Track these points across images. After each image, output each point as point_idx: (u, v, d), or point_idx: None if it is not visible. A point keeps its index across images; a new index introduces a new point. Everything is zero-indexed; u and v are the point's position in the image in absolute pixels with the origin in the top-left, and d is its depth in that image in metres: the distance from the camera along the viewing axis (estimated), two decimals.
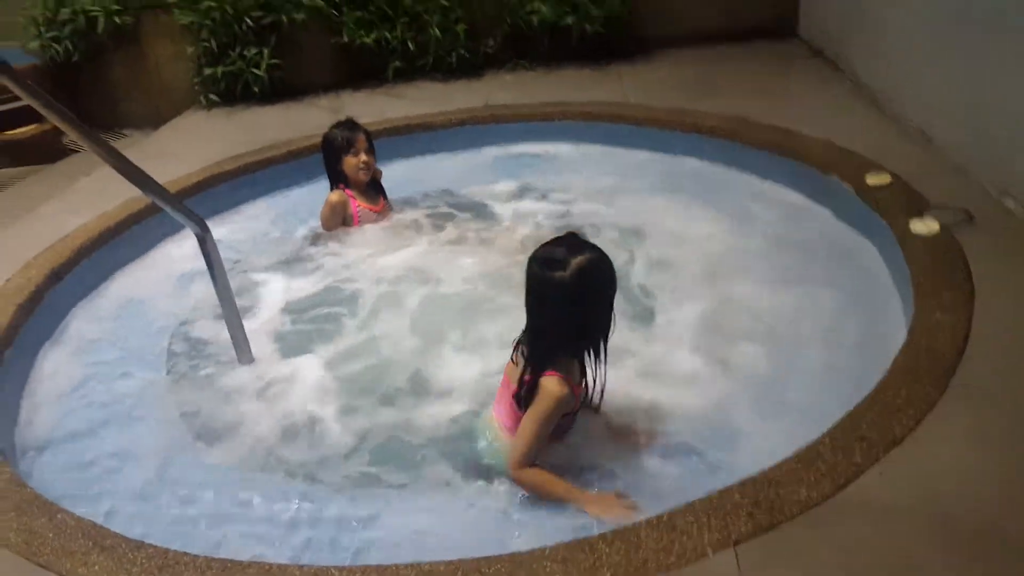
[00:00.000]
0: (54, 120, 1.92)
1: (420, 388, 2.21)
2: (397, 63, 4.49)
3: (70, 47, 4.42)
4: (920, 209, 2.47)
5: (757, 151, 3.28)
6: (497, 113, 3.96)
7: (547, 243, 1.77)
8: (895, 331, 2.02)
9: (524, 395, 1.75)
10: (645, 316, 2.44)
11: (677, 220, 3.00)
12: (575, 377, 1.78)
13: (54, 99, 1.89)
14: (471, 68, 4.54)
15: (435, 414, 2.09)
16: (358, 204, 3.02)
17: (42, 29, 4.45)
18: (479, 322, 2.45)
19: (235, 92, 4.38)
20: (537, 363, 1.74)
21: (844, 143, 3.05)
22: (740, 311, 2.41)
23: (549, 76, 4.48)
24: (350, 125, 3.00)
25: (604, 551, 1.41)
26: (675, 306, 2.47)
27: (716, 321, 2.36)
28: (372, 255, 2.91)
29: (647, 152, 3.60)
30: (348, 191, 3.02)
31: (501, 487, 1.80)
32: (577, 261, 1.67)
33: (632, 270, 2.68)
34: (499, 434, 1.87)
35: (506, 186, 3.46)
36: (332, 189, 3.05)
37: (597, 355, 1.77)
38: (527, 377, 1.74)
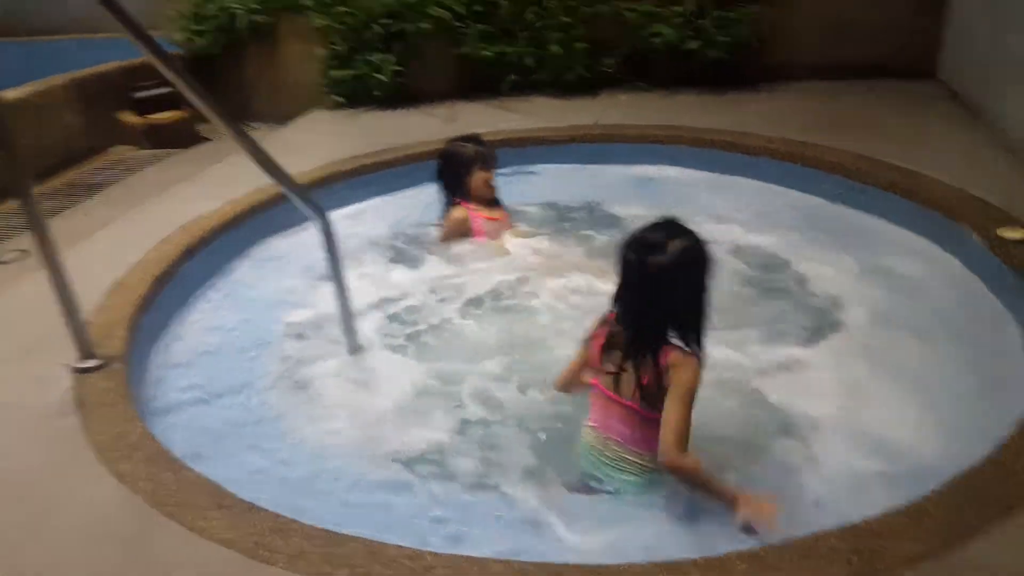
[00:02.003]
0: (201, 108, 2.03)
1: (515, 398, 2.21)
2: (513, 77, 4.56)
3: (212, 41, 4.72)
4: None
5: (880, 191, 3.15)
6: (608, 132, 3.96)
7: (643, 227, 1.75)
8: (1019, 392, 1.93)
9: (655, 384, 1.70)
10: (760, 346, 2.39)
11: (793, 255, 2.92)
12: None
13: None
14: (587, 86, 4.56)
15: (530, 424, 2.09)
16: (480, 215, 3.03)
17: (189, 23, 4.78)
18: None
19: (358, 95, 4.56)
20: (649, 349, 1.70)
21: (977, 192, 2.90)
22: (859, 354, 2.32)
23: (667, 99, 4.43)
24: (480, 141, 3.05)
25: (694, 574, 1.40)
26: (789, 342, 2.41)
27: (835, 362, 2.29)
28: (479, 265, 2.93)
29: (761, 183, 3.51)
30: (467, 204, 3.03)
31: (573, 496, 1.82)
32: (675, 245, 1.66)
33: (748, 297, 2.65)
34: (620, 452, 1.80)
35: (614, 206, 3.44)
36: (449, 201, 3.06)
37: (697, 343, 1.73)
38: (648, 368, 1.70)
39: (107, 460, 1.83)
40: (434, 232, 3.16)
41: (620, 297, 1.77)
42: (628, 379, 1.75)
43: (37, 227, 2.08)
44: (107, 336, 2.32)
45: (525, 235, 3.11)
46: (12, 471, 1.84)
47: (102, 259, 2.80)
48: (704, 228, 3.02)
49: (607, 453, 1.82)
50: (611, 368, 1.79)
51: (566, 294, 2.72)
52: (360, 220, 3.47)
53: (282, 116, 4.68)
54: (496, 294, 2.76)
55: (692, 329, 1.73)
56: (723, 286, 2.69)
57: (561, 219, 3.36)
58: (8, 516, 1.70)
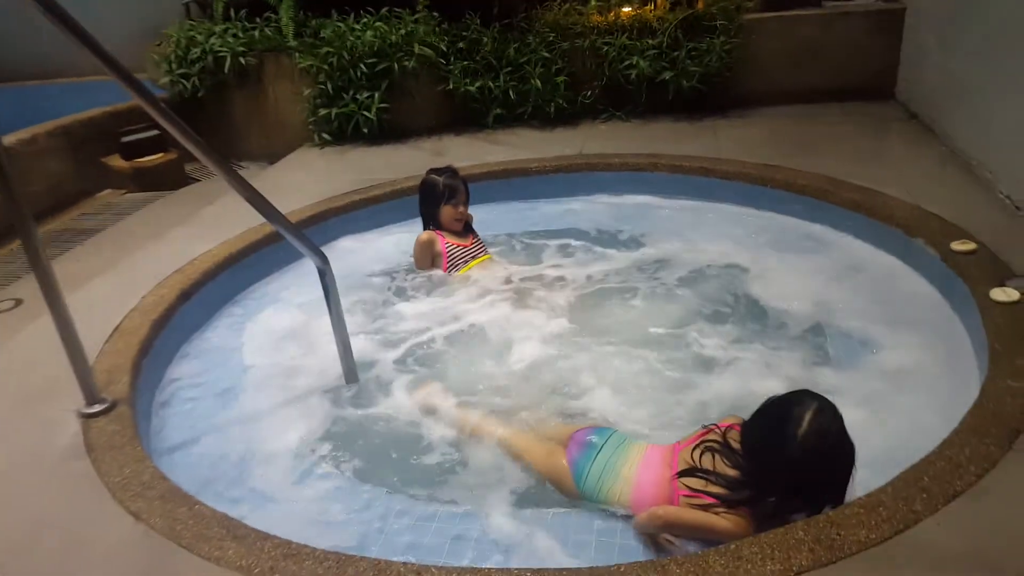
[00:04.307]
0: (195, 151, 2.09)
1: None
2: (498, 110, 4.70)
3: (197, 83, 4.80)
4: (1003, 278, 2.52)
5: (845, 211, 3.32)
6: (591, 162, 4.08)
7: (787, 396, 1.72)
8: (968, 393, 2.07)
9: (707, 489, 1.74)
10: (729, 360, 2.53)
11: (765, 274, 3.07)
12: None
13: None
14: (568, 117, 4.71)
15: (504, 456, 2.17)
16: (446, 240, 3.19)
17: (173, 66, 4.86)
18: (562, 374, 2.54)
19: (346, 132, 4.67)
20: (729, 502, 1.71)
21: (933, 208, 3.08)
22: (824, 361, 2.51)
23: (644, 128, 4.60)
24: (452, 175, 3.19)
25: (675, 572, 1.52)
26: (758, 356, 2.55)
27: (802, 362, 2.47)
28: (459, 295, 3.05)
29: (737, 206, 3.67)
30: (438, 232, 3.21)
31: (582, 513, 1.93)
32: (815, 425, 1.61)
33: (723, 316, 2.81)
34: (629, 496, 1.89)
35: (597, 233, 3.57)
36: (424, 229, 3.25)
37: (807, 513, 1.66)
38: (714, 498, 1.72)
39: (121, 499, 1.88)
40: (411, 259, 3.30)
41: (744, 440, 1.76)
42: (701, 460, 1.80)
43: (42, 273, 2.10)
44: (111, 381, 2.37)
45: (489, 267, 3.21)
46: (30, 515, 1.89)
47: (100, 305, 2.85)
48: (682, 251, 3.25)
49: (615, 486, 1.92)
50: (702, 465, 1.80)
51: (533, 327, 2.81)
52: (353, 254, 3.56)
53: (270, 155, 4.77)
54: (464, 326, 2.86)
55: (808, 508, 1.68)
56: (702, 302, 2.88)
57: (539, 247, 3.49)
58: (31, 560, 1.74)
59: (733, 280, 3.05)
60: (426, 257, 3.20)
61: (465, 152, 4.40)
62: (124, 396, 2.31)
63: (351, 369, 2.59)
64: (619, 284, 3.07)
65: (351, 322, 2.87)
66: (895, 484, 1.71)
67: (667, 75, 4.52)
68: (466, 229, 3.28)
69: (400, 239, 3.64)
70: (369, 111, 4.59)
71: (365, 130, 4.64)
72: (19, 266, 3.72)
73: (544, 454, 2.07)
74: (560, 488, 2.01)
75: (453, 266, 3.16)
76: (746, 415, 1.85)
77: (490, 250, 3.32)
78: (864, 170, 3.54)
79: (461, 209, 3.19)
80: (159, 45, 4.99)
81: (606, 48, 4.62)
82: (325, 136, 4.71)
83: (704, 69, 4.50)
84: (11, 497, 1.96)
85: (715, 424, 1.90)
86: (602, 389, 2.42)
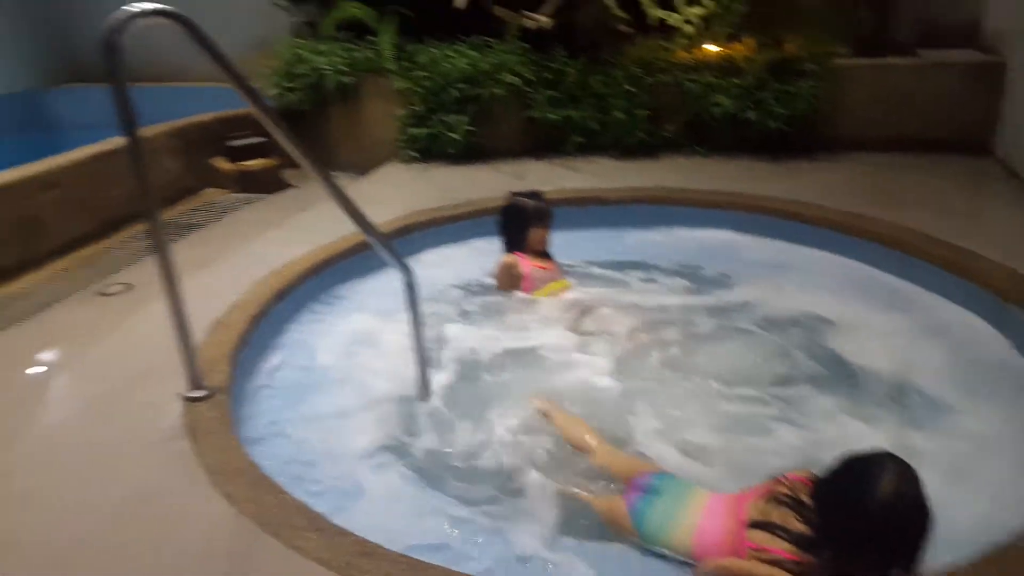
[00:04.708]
0: (299, 159, 2.32)
1: (558, 455, 2.37)
2: (578, 138, 4.83)
3: (301, 97, 5.11)
4: None
5: (935, 268, 3.24)
6: (670, 195, 4.16)
7: (865, 455, 1.66)
8: None
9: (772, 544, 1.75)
10: (802, 412, 2.51)
11: (846, 326, 3.02)
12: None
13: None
14: (648, 150, 4.80)
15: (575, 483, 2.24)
16: (529, 263, 3.29)
17: (280, 79, 5.19)
18: (627, 409, 2.56)
19: (432, 151, 4.89)
20: (798, 559, 1.70)
21: None
22: (905, 423, 2.42)
23: (725, 165, 4.63)
24: (539, 198, 3.30)
25: None
26: (834, 411, 2.51)
27: (883, 433, 2.37)
28: (536, 318, 3.14)
29: (819, 252, 3.65)
30: (519, 254, 3.31)
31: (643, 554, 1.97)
32: (893, 487, 1.56)
33: (800, 366, 2.77)
34: (691, 542, 1.91)
35: (673, 267, 3.62)
36: (506, 251, 3.35)
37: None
38: (784, 553, 1.71)
39: (216, 482, 2.06)
40: (491, 280, 3.41)
41: (824, 507, 1.72)
42: (771, 514, 1.79)
43: (163, 258, 2.31)
44: (211, 369, 2.58)
45: (569, 292, 3.29)
46: (134, 487, 2.09)
47: (204, 296, 3.07)
48: (760, 293, 3.27)
49: (676, 534, 1.94)
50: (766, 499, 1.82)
51: (603, 355, 2.86)
52: (433, 268, 3.71)
53: (361, 168, 5.03)
54: (541, 348, 2.93)
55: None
56: (778, 349, 2.88)
57: (615, 277, 3.55)
58: (132, 531, 1.93)
59: (812, 329, 3.02)
60: (508, 279, 3.30)
61: (544, 177, 4.54)
62: (222, 385, 2.52)
63: (426, 380, 2.72)
64: (693, 322, 3.09)
65: (428, 333, 3.04)
66: (977, 565, 1.66)
67: (751, 114, 4.56)
68: (546, 253, 3.39)
69: (478, 257, 3.78)
70: (455, 132, 4.79)
71: (450, 150, 4.85)
72: (128, 253, 4.04)
73: (603, 498, 2.13)
74: (619, 531, 2.05)
75: (533, 288, 3.26)
76: (817, 471, 1.83)
77: (567, 277, 3.41)
78: (956, 227, 3.46)
79: (547, 232, 3.29)
80: (268, 59, 5.35)
81: (690, 85, 4.69)
82: (413, 153, 4.94)
83: (790, 111, 4.51)
84: (118, 469, 2.17)
85: (785, 476, 1.88)
86: (666, 430, 2.44)
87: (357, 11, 5.08)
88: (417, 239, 3.88)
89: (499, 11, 4.80)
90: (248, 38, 5.69)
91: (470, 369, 2.88)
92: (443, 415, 2.62)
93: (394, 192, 4.45)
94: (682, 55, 4.74)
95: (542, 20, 4.75)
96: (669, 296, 3.34)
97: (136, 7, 1.97)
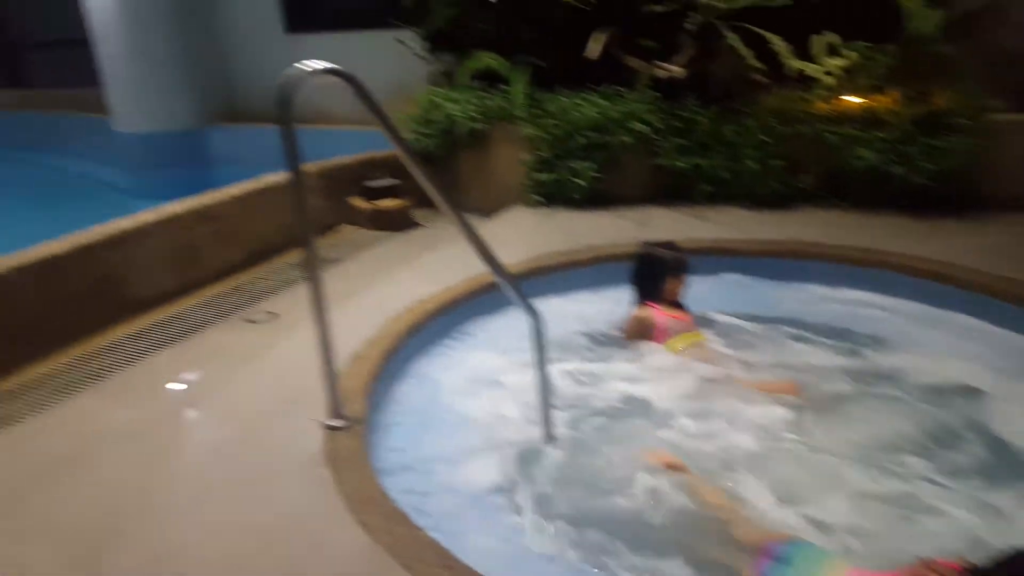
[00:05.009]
0: (437, 200, 2.45)
1: (682, 513, 2.30)
2: (707, 187, 4.77)
3: (435, 142, 5.35)
4: None
5: None
6: (804, 249, 4.00)
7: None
8: None
9: None
10: (955, 494, 2.33)
11: (1005, 403, 2.78)
12: None
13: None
14: (782, 201, 4.66)
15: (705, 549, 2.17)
16: (663, 314, 3.24)
17: (417, 125, 5.46)
18: (759, 472, 2.47)
19: (557, 196, 4.97)
20: None
21: None
22: None
23: (865, 220, 4.41)
24: (676, 248, 3.27)
25: None
26: (991, 496, 2.32)
27: None
28: (666, 370, 3.07)
29: (974, 320, 3.39)
30: (653, 304, 3.26)
31: None
32: None
33: (952, 443, 2.58)
34: None
35: (808, 326, 3.45)
36: (639, 301, 3.32)
37: None
38: None
39: (354, 511, 2.14)
40: (620, 329, 3.38)
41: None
42: None
43: (317, 290, 2.45)
44: (349, 400, 2.70)
45: (703, 345, 3.21)
46: (279, 513, 2.20)
47: (342, 329, 3.21)
48: (905, 359, 3.07)
49: None
50: None
51: (740, 414, 2.77)
52: (557, 311, 3.70)
53: (487, 210, 5.17)
54: (672, 402, 2.86)
55: None
56: (928, 423, 2.69)
57: (748, 332, 3.44)
58: (278, 553, 2.03)
59: (967, 404, 2.80)
60: (640, 330, 3.26)
61: (671, 225, 4.50)
62: (359, 415, 2.63)
63: (549, 423, 2.73)
64: (831, 384, 2.95)
65: (553, 377, 3.04)
66: None
67: (896, 169, 4.34)
68: (679, 303, 3.34)
69: (603, 303, 3.78)
70: (581, 178, 4.85)
71: (575, 196, 4.90)
72: (273, 283, 4.32)
73: (730, 563, 2.05)
74: None
75: (666, 339, 3.21)
76: (972, 559, 1.68)
77: (700, 328, 3.34)
78: None
79: (682, 283, 3.25)
80: (406, 105, 5.65)
81: (830, 136, 4.54)
82: (538, 198, 5.04)
83: (939, 167, 4.26)
84: (265, 491, 2.30)
85: (935, 561, 1.74)
86: (800, 497, 2.33)
87: (492, 62, 5.29)
88: (541, 282, 3.91)
89: (631, 61, 4.86)
90: (387, 84, 6.02)
91: (594, 416, 2.86)
92: (564, 460, 2.63)
93: (519, 235, 4.54)
94: (821, 106, 4.60)
95: (674, 70, 4.76)
96: (806, 355, 3.20)
97: (309, 66, 2.17)
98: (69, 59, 8.90)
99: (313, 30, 7.43)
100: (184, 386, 3.06)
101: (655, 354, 3.16)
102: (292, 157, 2.31)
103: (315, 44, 7.41)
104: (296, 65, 2.16)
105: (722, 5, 4.78)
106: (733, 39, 4.65)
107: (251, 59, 7.73)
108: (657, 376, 3.03)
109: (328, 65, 2.19)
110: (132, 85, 7.22)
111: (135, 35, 7.03)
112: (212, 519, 2.19)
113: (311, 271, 2.46)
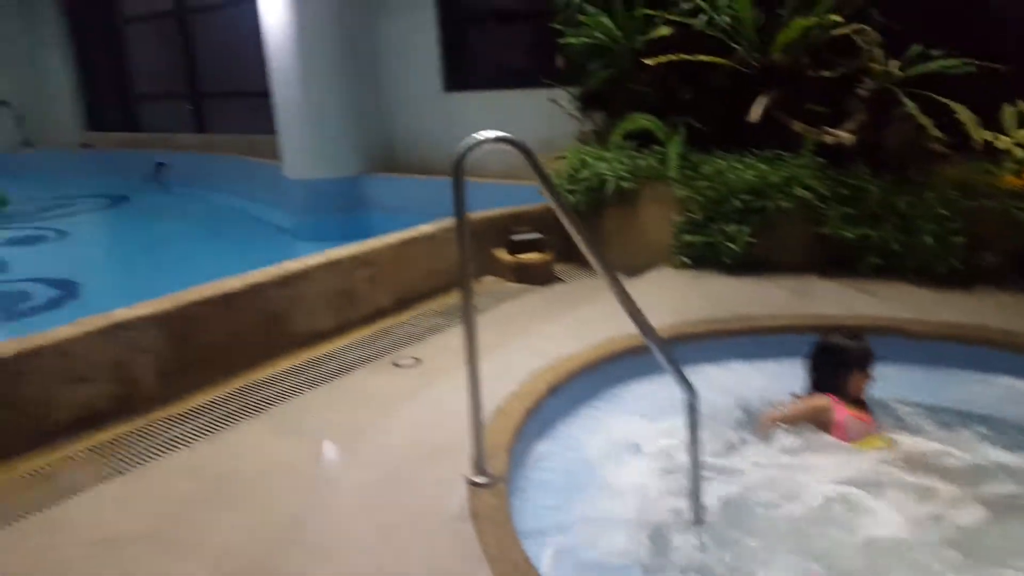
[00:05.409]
0: (591, 259, 2.42)
1: None
2: (876, 260, 4.43)
3: (582, 199, 5.36)
4: None
5: None
6: (991, 336, 3.58)
7: None
8: None
9: None
10: None
11: None
12: None
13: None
14: (961, 280, 4.24)
15: None
16: (845, 412, 2.94)
17: (565, 182, 5.51)
18: None
19: (706, 259, 4.80)
20: None
21: None
22: None
23: None
24: (863, 340, 3.00)
25: None
26: None
27: None
28: (839, 470, 2.76)
29: None
30: (835, 398, 2.99)
31: None
32: None
33: None
34: None
35: (1002, 422, 3.08)
36: (814, 390, 3.06)
37: None
38: None
39: (496, 572, 2.08)
40: (785, 411, 3.11)
41: None
42: None
43: (471, 345, 2.49)
44: (491, 456, 2.67)
45: (891, 444, 2.90)
46: (422, 568, 2.18)
47: (483, 382, 3.23)
48: None
49: None
50: None
51: (932, 527, 2.47)
52: (708, 383, 3.51)
53: (630, 268, 5.08)
54: (847, 501, 2.59)
55: None
56: None
57: (933, 430, 3.08)
58: None
59: None
60: (814, 420, 2.95)
61: (832, 298, 4.21)
62: (502, 473, 2.59)
63: (700, 507, 2.56)
64: None
65: (705, 454, 2.87)
66: None
67: None
68: (861, 401, 3.03)
69: (758, 377, 3.56)
70: (734, 243, 4.66)
71: (727, 260, 4.72)
72: (419, 329, 4.43)
73: None
74: None
75: (847, 440, 2.90)
76: None
77: (884, 431, 3.01)
78: None
79: (869, 379, 2.98)
80: (552, 161, 5.73)
81: (1020, 213, 4.10)
82: (685, 259, 4.89)
83: None
84: (409, 543, 2.29)
85: None
86: None
87: (647, 123, 5.27)
88: (691, 349, 3.74)
89: (797, 126, 4.67)
90: (536, 141, 6.14)
91: (750, 505, 2.65)
92: (710, 549, 2.45)
93: (666, 297, 4.41)
94: (1011, 180, 4.18)
95: (843, 136, 4.53)
96: (1004, 458, 2.82)
97: (483, 136, 2.33)
98: (246, 109, 9.86)
99: (469, 89, 7.79)
100: (335, 425, 3.16)
101: (829, 448, 2.88)
102: (460, 213, 2.45)
103: (470, 102, 7.78)
104: (474, 136, 2.32)
105: (898, 71, 4.52)
106: (911, 107, 4.37)
107: (410, 114, 8.19)
108: (827, 469, 2.76)
109: (500, 134, 2.34)
110: (303, 135, 7.84)
111: (310, 90, 7.66)
112: (357, 565, 2.20)
113: (467, 326, 2.49)
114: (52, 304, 5.54)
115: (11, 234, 8.46)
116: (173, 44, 10.93)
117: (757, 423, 3.11)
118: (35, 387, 3.06)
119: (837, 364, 3.00)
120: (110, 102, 12.32)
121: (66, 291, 5.87)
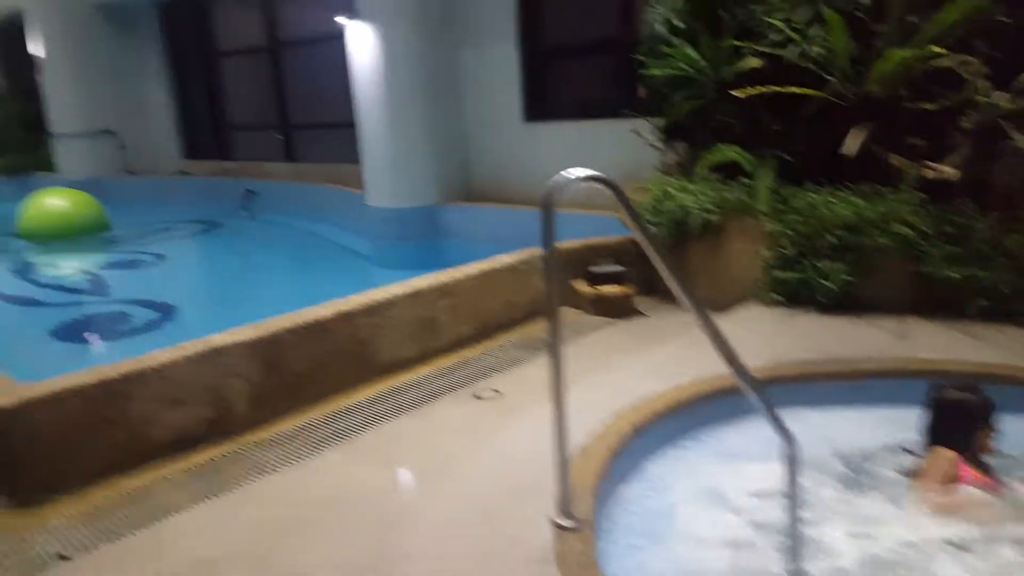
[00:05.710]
0: (677, 293, 2.35)
1: None
2: (983, 302, 4.16)
3: (665, 232, 5.27)
4: None
5: None
6: None
7: None
8: None
9: None
10: None
11: None
12: None
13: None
14: None
15: None
16: (971, 474, 2.72)
17: (647, 214, 5.43)
18: None
19: (799, 297, 4.62)
20: None
21: None
22: None
23: None
24: (979, 391, 2.80)
25: None
26: None
27: None
28: (963, 535, 2.55)
29: None
30: (960, 457, 2.76)
31: None
32: None
33: None
34: None
35: None
36: (938, 443, 2.83)
37: None
38: None
39: None
40: (903, 467, 2.90)
41: None
42: None
43: (556, 376, 2.44)
44: (576, 498, 2.60)
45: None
46: None
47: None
48: None
49: None
50: None
51: None
52: (804, 428, 3.35)
53: (716, 304, 4.94)
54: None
55: None
56: None
57: None
58: None
59: None
60: (941, 477, 2.72)
61: (936, 342, 3.96)
62: (587, 516, 2.52)
63: (799, 566, 2.42)
64: None
65: (808, 507, 2.72)
66: None
67: None
68: (985, 463, 2.78)
69: (859, 426, 3.36)
70: (830, 281, 4.46)
71: (821, 298, 4.52)
72: (498, 360, 4.41)
73: None
74: None
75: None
76: None
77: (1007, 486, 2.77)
78: None
79: (993, 436, 2.76)
80: (634, 191, 5.66)
81: None
82: (777, 297, 4.72)
83: None
84: None
85: None
86: None
87: (735, 155, 5.15)
88: (780, 394, 3.57)
89: (896, 160, 4.47)
90: (617, 172, 6.10)
91: (857, 563, 2.48)
92: None
93: (754, 336, 4.24)
94: None
95: (947, 171, 4.29)
96: None
97: (573, 174, 2.31)
98: (333, 139, 10.22)
99: (549, 119, 7.84)
100: (419, 456, 3.17)
101: (949, 508, 2.65)
102: (549, 255, 2.45)
103: (550, 132, 7.83)
104: (562, 174, 2.31)
105: (1007, 103, 4.27)
106: (1021, 141, 4.11)
107: (490, 145, 8.31)
108: (948, 536, 2.55)
109: (591, 172, 2.32)
110: (386, 165, 8.05)
111: (394, 121, 7.88)
112: None
113: (554, 368, 2.46)
114: (150, 326, 5.81)
115: (113, 257, 8.99)
116: (265, 77, 11.48)
117: (915, 489, 2.80)
118: (138, 408, 3.20)
119: (961, 422, 2.75)
120: (206, 132, 13.01)
121: (163, 313, 6.15)
